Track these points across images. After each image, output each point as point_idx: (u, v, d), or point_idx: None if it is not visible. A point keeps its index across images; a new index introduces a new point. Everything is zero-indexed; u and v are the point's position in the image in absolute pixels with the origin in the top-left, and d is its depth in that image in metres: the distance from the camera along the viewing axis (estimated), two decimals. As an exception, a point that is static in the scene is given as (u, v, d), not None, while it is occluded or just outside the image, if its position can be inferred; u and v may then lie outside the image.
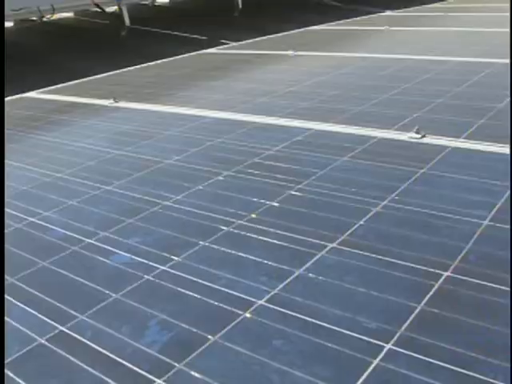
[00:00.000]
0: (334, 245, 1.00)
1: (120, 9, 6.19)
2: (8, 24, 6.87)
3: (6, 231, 1.19)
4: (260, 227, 1.09)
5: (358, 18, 4.58)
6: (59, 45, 6.31)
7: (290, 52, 3.02)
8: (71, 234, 1.15)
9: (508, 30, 3.24)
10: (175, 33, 6.56)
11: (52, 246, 1.11)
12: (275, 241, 1.04)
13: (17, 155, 1.69)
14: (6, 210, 1.30)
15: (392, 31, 3.59)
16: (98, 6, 5.78)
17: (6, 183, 1.47)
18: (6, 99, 2.53)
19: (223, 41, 5.47)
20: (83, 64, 4.99)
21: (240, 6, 7.71)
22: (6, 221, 1.24)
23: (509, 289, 0.84)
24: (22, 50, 6.04)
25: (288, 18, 7.30)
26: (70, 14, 8.37)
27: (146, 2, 8.72)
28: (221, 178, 1.36)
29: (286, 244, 1.02)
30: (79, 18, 8.22)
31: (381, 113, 1.77)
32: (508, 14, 3.97)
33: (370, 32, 3.64)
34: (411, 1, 6.33)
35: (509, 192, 1.15)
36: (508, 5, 4.49)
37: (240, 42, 3.69)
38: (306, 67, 2.61)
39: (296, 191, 1.24)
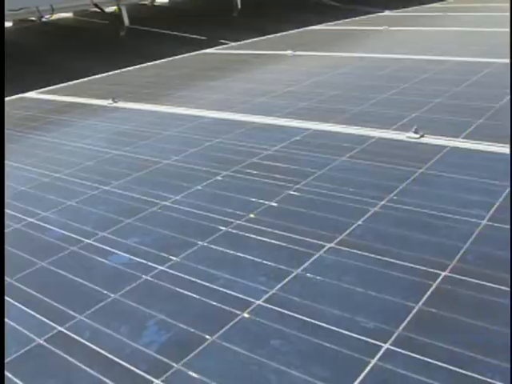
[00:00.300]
0: (332, 245, 1.00)
1: (119, 9, 6.19)
2: (7, 24, 6.86)
3: (4, 231, 1.19)
4: (258, 227, 1.10)
5: (356, 18, 4.58)
6: (58, 45, 6.31)
7: (288, 52, 3.02)
8: (70, 234, 1.15)
9: (507, 29, 3.24)
10: (174, 33, 6.56)
11: (50, 247, 1.11)
12: (273, 241, 1.04)
13: (15, 155, 1.69)
14: (5, 210, 1.30)
15: (391, 31, 3.59)
16: (97, 6, 5.78)
17: (5, 183, 1.47)
18: (5, 99, 2.53)
19: (222, 41, 5.47)
20: (82, 64, 5.00)
21: (239, 7, 7.71)
22: (5, 221, 1.24)
23: (507, 288, 0.84)
24: (21, 50, 6.04)
25: (287, 18, 7.30)
26: (69, 14, 8.37)
27: (146, 2, 8.72)
28: (219, 178, 1.36)
29: (284, 244, 1.02)
30: (78, 18, 8.22)
31: (379, 113, 1.77)
32: (507, 14, 3.97)
33: (369, 32, 3.64)
34: (410, 1, 6.33)
35: (507, 191, 1.15)
36: (506, 4, 4.49)
37: (239, 42, 3.69)
38: (305, 67, 2.61)
39: (294, 191, 1.24)
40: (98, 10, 6.08)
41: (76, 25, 7.94)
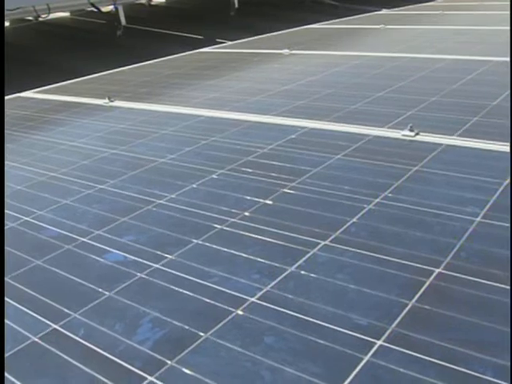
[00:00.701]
0: (327, 242, 1.01)
1: (116, 8, 6.18)
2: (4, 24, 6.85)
3: (4, 231, 1.20)
4: (253, 225, 1.10)
5: (353, 17, 4.59)
6: (55, 45, 6.31)
7: (285, 51, 3.02)
8: (65, 232, 1.15)
9: (503, 27, 3.25)
10: (171, 32, 6.56)
11: (46, 245, 1.11)
12: (268, 238, 1.04)
13: (12, 155, 1.69)
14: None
15: (388, 29, 3.60)
16: (93, 5, 5.77)
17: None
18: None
19: (219, 40, 5.47)
20: (79, 63, 4.99)
21: (236, 6, 7.71)
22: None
23: (501, 285, 0.84)
24: (17, 49, 6.03)
25: (284, 16, 7.30)
26: (66, 14, 8.36)
27: (143, 1, 8.72)
28: (215, 176, 1.36)
29: (278, 242, 1.03)
30: (75, 18, 8.21)
31: (375, 111, 1.77)
32: (503, 12, 3.98)
33: (366, 30, 3.64)
34: (407, -1, 6.33)
35: (501, 189, 1.15)
36: (502, 3, 4.50)
37: (235, 41, 3.69)
38: (301, 66, 2.61)
39: (289, 189, 1.24)
40: (95, 10, 6.08)
41: (73, 24, 7.93)
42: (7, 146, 1.79)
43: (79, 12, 7.77)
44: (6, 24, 7.08)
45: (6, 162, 1.62)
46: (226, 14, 7.68)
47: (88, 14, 7.71)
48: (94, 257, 1.04)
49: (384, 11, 5.00)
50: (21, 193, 1.39)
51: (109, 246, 1.07)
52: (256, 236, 1.05)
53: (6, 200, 1.35)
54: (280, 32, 3.95)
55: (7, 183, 1.46)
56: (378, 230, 1.03)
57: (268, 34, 3.87)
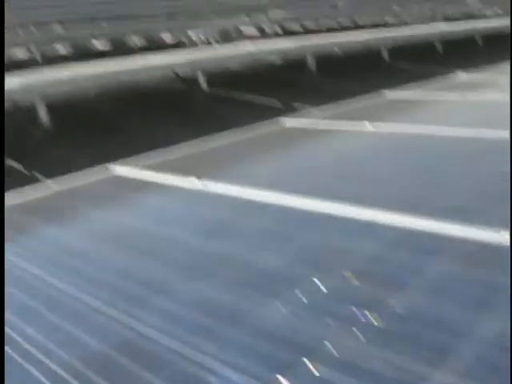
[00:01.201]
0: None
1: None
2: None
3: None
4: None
5: (438, 83, 4.42)
6: (132, 110, 6.48)
7: (366, 124, 2.90)
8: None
9: None
10: (247, 99, 6.63)
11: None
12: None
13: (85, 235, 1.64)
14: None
15: (475, 99, 3.44)
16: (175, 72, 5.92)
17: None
18: (80, 171, 2.51)
19: (295, 105, 5.47)
20: (158, 132, 5.07)
21: (314, 68, 7.74)
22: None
23: None
24: (98, 116, 6.22)
25: (361, 81, 7.27)
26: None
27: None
28: (315, 280, 1.24)
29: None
30: (153, 81, 8.47)
31: (483, 207, 1.62)
32: None
33: (449, 101, 3.50)
34: (495, 58, 6.09)
35: None
36: None
37: (313, 111, 3.62)
38: (387, 143, 2.49)
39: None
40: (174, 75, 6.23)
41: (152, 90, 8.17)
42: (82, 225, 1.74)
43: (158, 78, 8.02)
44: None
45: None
46: (302, 78, 7.72)
47: (166, 79, 7.94)
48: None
49: (462, 75, 4.80)
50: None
51: None
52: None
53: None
54: (360, 99, 3.84)
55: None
56: None
57: (347, 102, 3.75)
